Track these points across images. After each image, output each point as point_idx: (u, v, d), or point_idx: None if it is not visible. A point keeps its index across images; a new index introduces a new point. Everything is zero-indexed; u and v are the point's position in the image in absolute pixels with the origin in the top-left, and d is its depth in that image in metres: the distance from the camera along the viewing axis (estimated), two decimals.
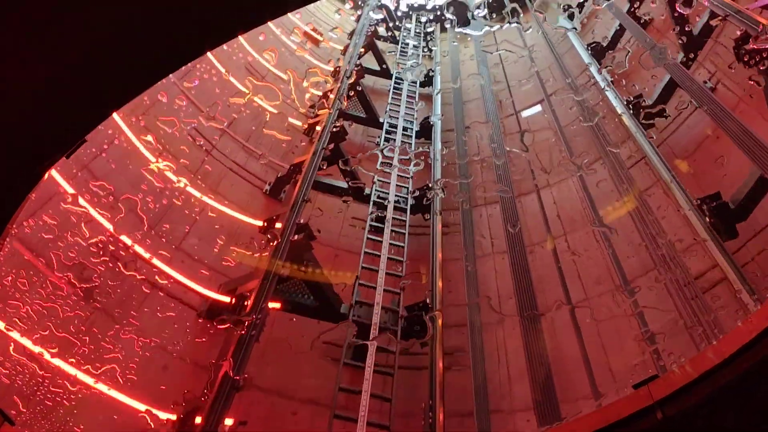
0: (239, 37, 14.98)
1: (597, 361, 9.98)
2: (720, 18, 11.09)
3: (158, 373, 9.43)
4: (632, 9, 15.44)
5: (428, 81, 19.44)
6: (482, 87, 17.92)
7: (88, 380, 8.32)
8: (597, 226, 11.80)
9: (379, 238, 12.31)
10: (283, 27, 18.80)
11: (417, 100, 17.83)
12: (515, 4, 21.58)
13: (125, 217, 10.14)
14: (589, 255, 11.85)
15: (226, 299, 10.46)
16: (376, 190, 13.68)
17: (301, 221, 11.33)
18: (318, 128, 14.23)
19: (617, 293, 10.69)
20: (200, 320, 10.36)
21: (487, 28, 21.33)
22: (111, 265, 9.58)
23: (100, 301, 9.10)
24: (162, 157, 11.61)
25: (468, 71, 19.56)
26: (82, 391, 8.20)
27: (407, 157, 15.04)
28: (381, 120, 16.66)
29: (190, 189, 11.92)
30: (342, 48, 20.09)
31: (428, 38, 22.55)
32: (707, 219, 9.61)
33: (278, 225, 11.25)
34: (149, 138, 11.52)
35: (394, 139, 15.74)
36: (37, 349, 7.92)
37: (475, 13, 21.31)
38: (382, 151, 14.98)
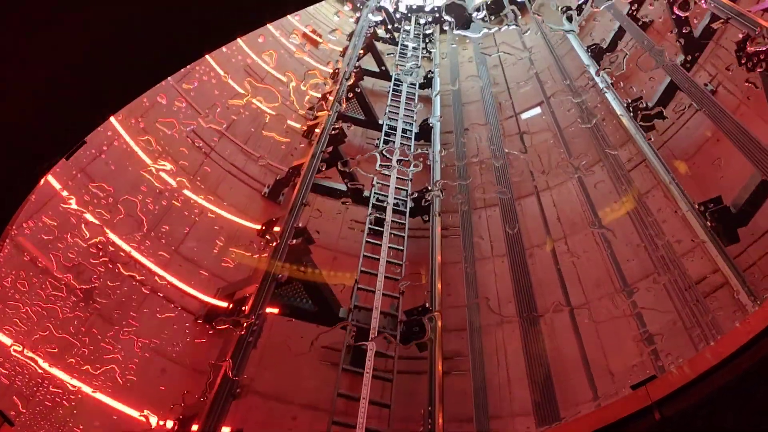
0: (238, 39, 15.00)
1: (596, 362, 9.99)
2: (722, 21, 11.05)
3: (156, 375, 9.43)
4: (632, 11, 15.44)
5: (428, 83, 19.45)
6: (481, 89, 17.92)
7: (87, 381, 8.32)
8: (596, 227, 11.79)
9: (378, 242, 12.26)
10: (282, 29, 18.80)
11: (416, 101, 17.83)
12: (513, 7, 21.62)
13: (123, 219, 10.13)
14: (588, 257, 11.85)
15: (224, 304, 10.40)
16: (375, 192, 13.65)
17: (300, 225, 11.32)
18: (317, 130, 14.22)
19: (617, 295, 10.69)
20: (198, 322, 10.33)
21: (485, 30, 21.35)
22: (111, 266, 9.58)
23: (100, 302, 9.10)
24: (161, 158, 11.61)
25: (467, 73, 19.57)
26: (81, 391, 8.21)
27: (406, 159, 15.04)
28: (380, 122, 16.65)
29: (188, 193, 11.90)
30: (341, 50, 20.12)
31: (427, 40, 22.57)
32: (708, 223, 9.58)
33: (276, 228, 11.22)
34: (147, 138, 11.51)
35: (393, 141, 15.73)
36: (36, 350, 7.92)
37: (474, 15, 21.35)
38: (381, 152, 14.97)
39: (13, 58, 3.70)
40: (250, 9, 3.81)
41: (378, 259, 11.80)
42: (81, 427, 8.00)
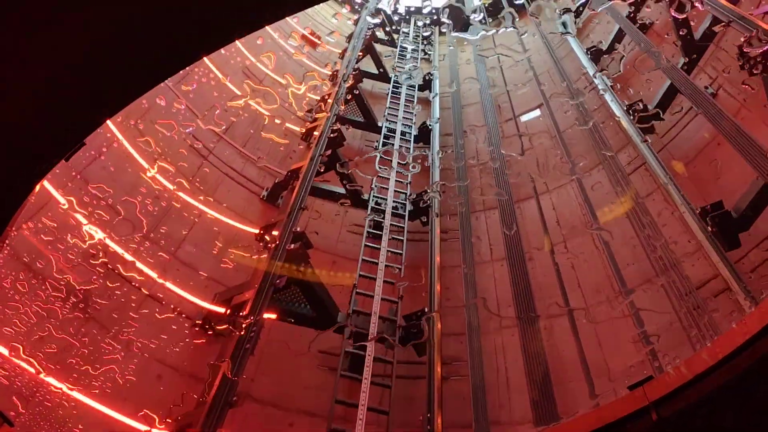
0: (237, 41, 15.00)
1: (594, 362, 9.98)
2: (723, 24, 11.02)
3: (153, 380, 9.41)
4: (631, 14, 15.43)
5: (426, 84, 19.44)
6: (480, 91, 17.92)
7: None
8: (595, 229, 11.78)
9: (377, 246, 12.18)
10: (281, 31, 18.79)
11: (415, 103, 17.82)
12: (511, 9, 21.64)
13: (121, 223, 10.12)
14: (585, 258, 11.84)
15: (221, 310, 10.33)
16: (374, 196, 13.58)
17: (298, 230, 11.27)
18: (315, 133, 14.20)
19: (616, 299, 10.68)
20: (196, 328, 10.30)
21: (483, 32, 21.36)
22: (110, 267, 9.59)
23: (99, 303, 9.10)
24: (160, 159, 11.61)
25: (466, 75, 19.57)
26: (80, 392, 8.21)
27: (405, 162, 15.02)
28: (379, 124, 16.62)
29: (186, 197, 11.88)
30: (340, 52, 20.13)
31: (426, 42, 22.56)
32: (709, 229, 9.54)
33: (275, 232, 11.17)
34: (146, 140, 11.51)
35: (392, 144, 15.70)
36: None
37: (471, 17, 21.36)
38: (380, 154, 14.95)
39: (13, 58, 3.71)
40: (249, 9, 3.82)
41: (377, 263, 11.73)
42: (80, 426, 8.00)
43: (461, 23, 21.55)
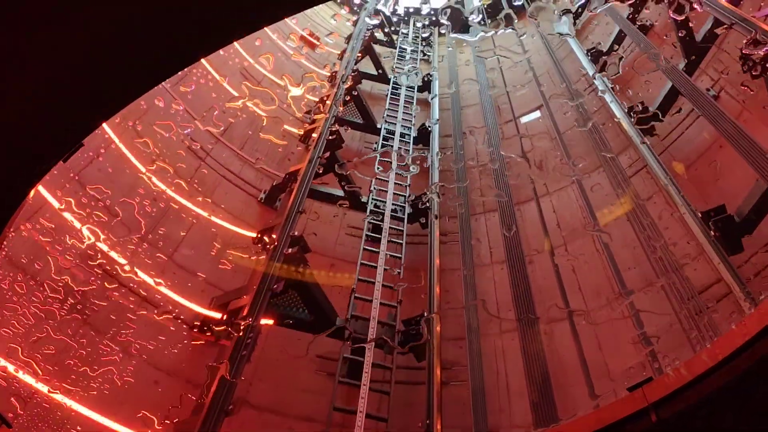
0: (235, 42, 14.98)
1: (594, 363, 9.97)
2: (725, 27, 10.99)
3: (151, 380, 9.39)
4: (631, 15, 15.42)
5: (426, 85, 19.42)
6: (480, 92, 17.92)
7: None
8: (594, 230, 11.76)
9: (375, 249, 12.11)
10: (279, 32, 18.78)
11: (414, 105, 17.80)
12: (510, 11, 21.65)
13: (117, 225, 10.09)
14: (585, 260, 11.82)
15: (218, 315, 10.28)
16: (372, 198, 13.52)
17: (296, 233, 11.20)
18: (314, 135, 14.15)
19: (616, 301, 10.66)
20: (194, 330, 10.27)
21: (482, 33, 21.37)
22: (108, 268, 9.57)
23: (97, 305, 9.08)
24: (158, 160, 11.58)
25: (465, 76, 19.57)
26: (79, 392, 8.19)
27: (404, 164, 14.98)
28: (378, 126, 16.58)
29: (183, 201, 11.84)
30: (339, 53, 20.12)
31: (425, 43, 22.56)
32: (712, 233, 9.49)
33: (273, 235, 11.12)
34: (144, 141, 11.48)
35: (392, 145, 15.66)
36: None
37: (470, 18, 21.37)
38: (379, 155, 14.92)
39: (13, 58, 3.70)
40: (249, 10, 3.82)
41: (375, 267, 11.63)
42: (78, 427, 7.98)
43: (460, 24, 21.57)
